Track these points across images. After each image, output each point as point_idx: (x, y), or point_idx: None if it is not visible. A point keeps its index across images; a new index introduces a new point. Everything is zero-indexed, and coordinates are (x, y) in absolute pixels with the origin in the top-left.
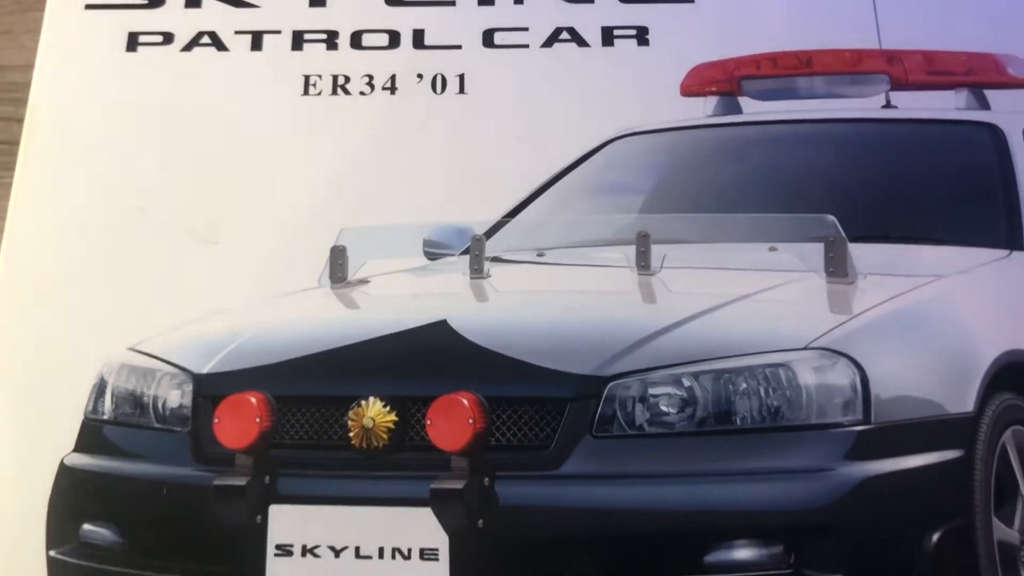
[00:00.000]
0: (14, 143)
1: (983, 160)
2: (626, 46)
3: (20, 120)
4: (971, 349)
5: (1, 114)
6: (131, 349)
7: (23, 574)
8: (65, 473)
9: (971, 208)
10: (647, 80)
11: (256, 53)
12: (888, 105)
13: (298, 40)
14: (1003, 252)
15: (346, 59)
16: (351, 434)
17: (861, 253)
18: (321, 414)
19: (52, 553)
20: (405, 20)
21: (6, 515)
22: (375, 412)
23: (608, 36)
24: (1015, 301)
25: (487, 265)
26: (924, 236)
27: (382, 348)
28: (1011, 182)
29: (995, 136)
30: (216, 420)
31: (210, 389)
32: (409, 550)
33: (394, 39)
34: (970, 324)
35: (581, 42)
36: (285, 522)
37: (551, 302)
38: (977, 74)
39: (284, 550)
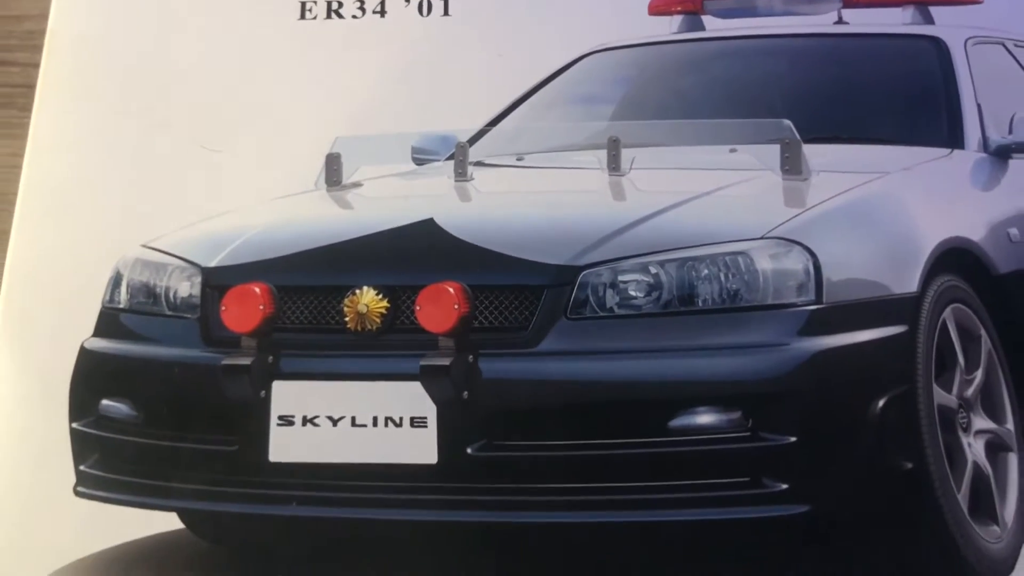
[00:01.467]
0: (31, 86)
1: (928, 70)
2: None
3: (36, 65)
4: (915, 236)
5: (20, 59)
6: (144, 246)
7: (49, 445)
8: (85, 355)
9: (916, 112)
10: (618, 1)
11: None
12: (840, 21)
13: None
14: (945, 151)
15: None
16: (347, 319)
17: (814, 153)
18: (319, 302)
19: (74, 425)
20: None
21: (32, 394)
22: (369, 299)
23: None
24: (956, 194)
25: (470, 169)
26: (873, 137)
27: (374, 243)
28: (953, 89)
29: (939, 48)
30: (223, 308)
31: (217, 280)
32: (400, 419)
33: None
34: (914, 214)
35: None
36: (287, 396)
37: (529, 201)
38: None
39: (286, 420)
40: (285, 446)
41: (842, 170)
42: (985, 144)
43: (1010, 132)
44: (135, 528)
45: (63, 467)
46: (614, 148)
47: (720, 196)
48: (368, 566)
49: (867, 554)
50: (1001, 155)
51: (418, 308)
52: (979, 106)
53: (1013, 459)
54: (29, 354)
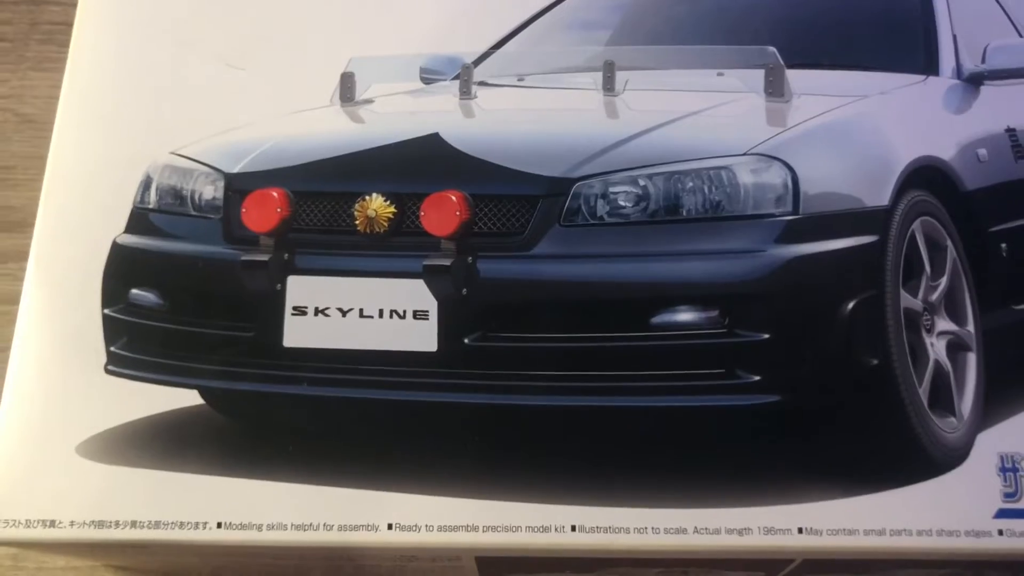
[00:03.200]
0: (70, 24)
1: (907, 1)
2: None
3: (75, 4)
4: (889, 154)
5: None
6: (173, 153)
7: (82, 329)
8: (117, 250)
9: (895, 41)
10: None
11: None
12: None
13: None
14: (920, 77)
15: None
16: (357, 222)
17: (797, 77)
18: (332, 206)
19: (106, 311)
20: None
21: (70, 282)
22: (377, 205)
23: None
24: (929, 116)
25: (474, 88)
26: (853, 64)
27: (384, 154)
28: (930, 19)
29: None
30: (244, 210)
31: (239, 185)
32: (404, 311)
33: None
34: (889, 134)
35: None
36: (301, 289)
37: (528, 117)
38: None
39: (299, 311)
40: (298, 333)
41: (822, 93)
42: (959, 71)
43: (983, 61)
44: (158, 404)
45: (94, 350)
46: (609, 70)
47: (707, 115)
48: (367, 443)
49: (833, 442)
50: (974, 82)
51: (422, 214)
52: (954, 36)
53: (972, 358)
54: (66, 249)
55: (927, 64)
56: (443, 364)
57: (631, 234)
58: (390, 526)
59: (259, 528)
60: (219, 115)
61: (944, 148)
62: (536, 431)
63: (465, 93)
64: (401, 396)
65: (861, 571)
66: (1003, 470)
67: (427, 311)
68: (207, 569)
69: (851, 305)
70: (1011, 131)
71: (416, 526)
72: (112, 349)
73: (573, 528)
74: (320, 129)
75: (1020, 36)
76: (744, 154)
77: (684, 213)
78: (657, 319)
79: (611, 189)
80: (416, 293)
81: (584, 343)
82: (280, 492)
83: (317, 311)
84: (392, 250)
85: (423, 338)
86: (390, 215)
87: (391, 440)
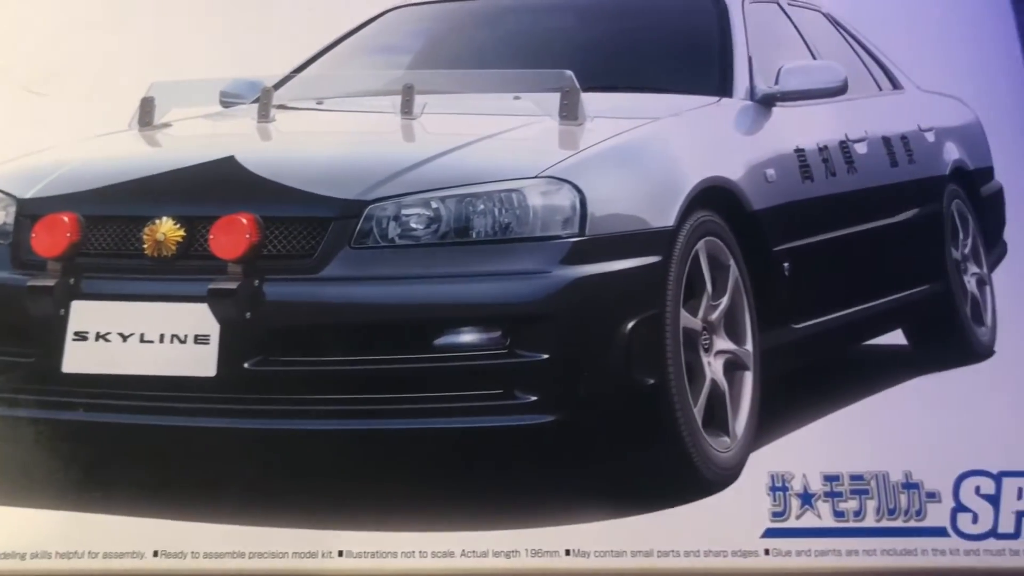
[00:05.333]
0: None
1: (706, 25)
2: None
3: None
4: (677, 176)
5: None
6: None
7: None
8: None
9: (692, 63)
10: None
11: None
12: None
13: None
14: (714, 99)
15: None
16: (145, 246)
17: (592, 100)
18: (122, 230)
19: None
20: None
21: None
22: (167, 228)
23: None
24: (719, 138)
25: (273, 111)
26: (648, 86)
27: (177, 177)
28: (728, 43)
29: (717, 5)
30: (33, 235)
31: (30, 210)
32: (185, 336)
33: None
34: (678, 156)
35: None
36: (83, 314)
37: (325, 140)
38: None
39: (81, 336)
40: (77, 359)
41: (616, 116)
42: (752, 93)
43: (776, 82)
44: None
45: None
46: (407, 94)
47: (501, 139)
48: (138, 470)
49: (604, 462)
50: (766, 103)
51: (212, 237)
52: (750, 59)
53: (748, 377)
54: None
55: (721, 86)
56: (221, 389)
57: (421, 256)
58: (156, 553)
59: (22, 557)
60: (19, 141)
61: (733, 169)
62: (309, 456)
63: (263, 116)
64: (175, 422)
65: None
66: (773, 489)
67: (208, 335)
68: None
69: (631, 325)
70: (800, 151)
71: (182, 553)
72: None
73: (340, 553)
74: (115, 154)
75: (814, 58)
76: (535, 177)
77: (475, 235)
78: (441, 340)
79: (404, 211)
80: (199, 317)
81: (365, 366)
82: (47, 520)
83: (98, 336)
84: (179, 274)
85: (202, 363)
86: (179, 239)
87: (161, 467)
